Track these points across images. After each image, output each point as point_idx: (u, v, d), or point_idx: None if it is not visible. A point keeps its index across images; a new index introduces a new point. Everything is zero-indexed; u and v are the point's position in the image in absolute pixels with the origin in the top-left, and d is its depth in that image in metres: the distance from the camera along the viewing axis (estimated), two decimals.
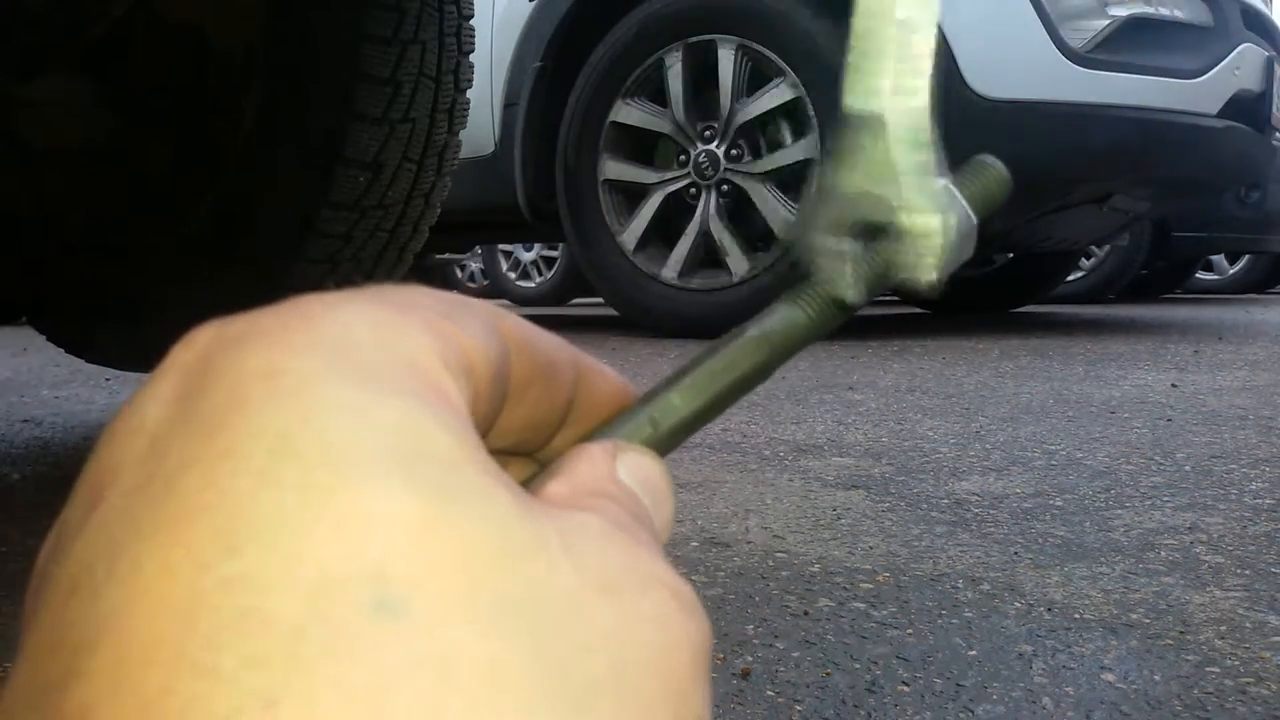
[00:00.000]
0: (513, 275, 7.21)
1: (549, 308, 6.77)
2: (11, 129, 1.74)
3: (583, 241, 3.56)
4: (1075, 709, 0.71)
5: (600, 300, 4.13)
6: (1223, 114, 3.25)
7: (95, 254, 1.74)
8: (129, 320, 1.65)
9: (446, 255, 7.44)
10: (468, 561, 0.14)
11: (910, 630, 0.85)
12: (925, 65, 0.20)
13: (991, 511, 1.22)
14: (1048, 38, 2.99)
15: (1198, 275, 7.56)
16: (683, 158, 3.39)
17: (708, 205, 3.32)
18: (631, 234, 3.45)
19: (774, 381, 2.34)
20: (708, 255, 3.36)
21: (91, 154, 1.75)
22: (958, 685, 0.75)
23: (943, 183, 0.24)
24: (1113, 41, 3.09)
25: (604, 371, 0.23)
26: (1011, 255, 4.81)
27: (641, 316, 3.49)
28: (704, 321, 3.23)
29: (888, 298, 6.28)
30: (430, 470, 0.15)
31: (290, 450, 0.14)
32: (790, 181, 3.21)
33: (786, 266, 3.11)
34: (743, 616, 0.89)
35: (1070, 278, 5.57)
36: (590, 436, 0.22)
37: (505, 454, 0.23)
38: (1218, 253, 7.21)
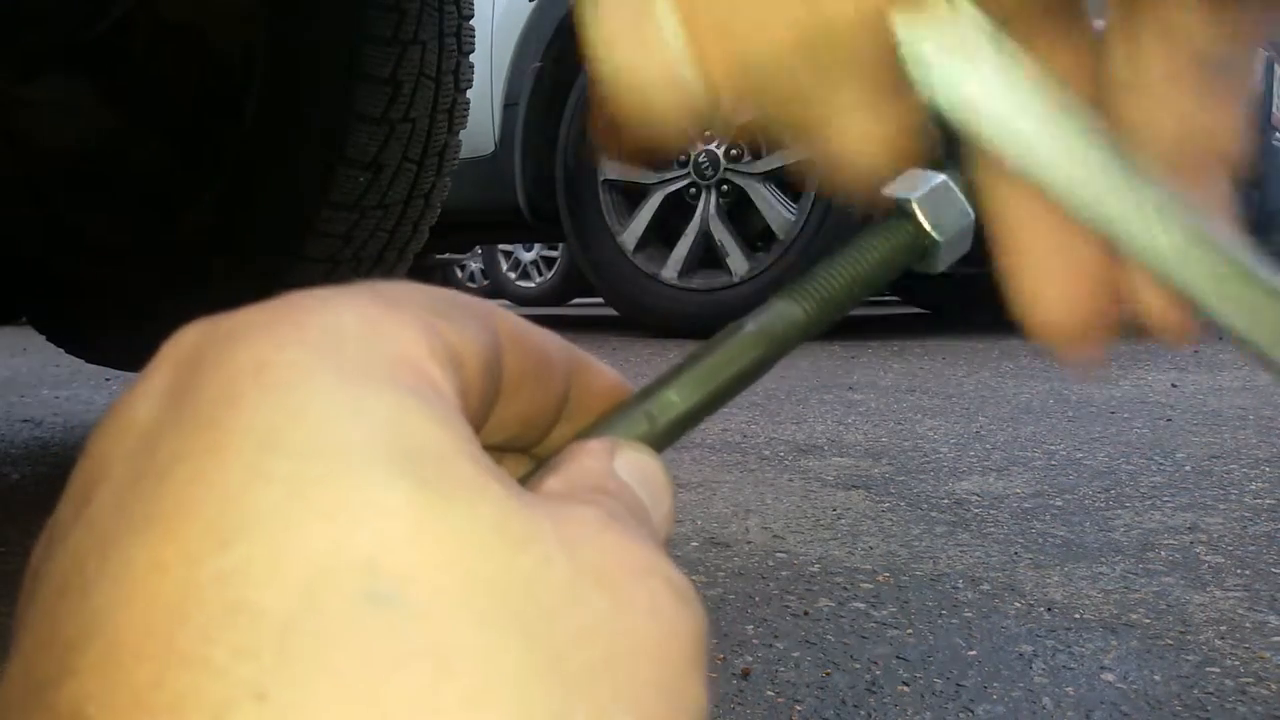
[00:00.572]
0: (513, 275, 7.21)
1: (549, 308, 6.77)
2: (11, 129, 1.74)
3: (583, 241, 3.56)
4: (1075, 709, 0.71)
5: (600, 300, 4.13)
6: None
7: (95, 254, 1.74)
8: (129, 320, 1.65)
9: (446, 255, 7.44)
10: (460, 552, 0.14)
11: (910, 630, 0.85)
12: None
13: (991, 511, 1.22)
14: None
15: None
16: (683, 158, 3.39)
17: (708, 205, 3.32)
18: (631, 234, 3.45)
19: (774, 381, 2.34)
20: (708, 255, 3.36)
21: (91, 154, 1.75)
22: (958, 685, 0.75)
23: (940, 177, 0.25)
24: None
25: (599, 367, 0.23)
26: None
27: (641, 316, 3.49)
28: (704, 321, 3.23)
29: (888, 298, 6.28)
30: (421, 463, 0.15)
31: (280, 444, 0.14)
32: (790, 181, 3.21)
33: (787, 266, 3.11)
34: (743, 616, 0.89)
35: None
36: (587, 432, 0.22)
37: (500, 450, 0.23)
38: None
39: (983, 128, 0.19)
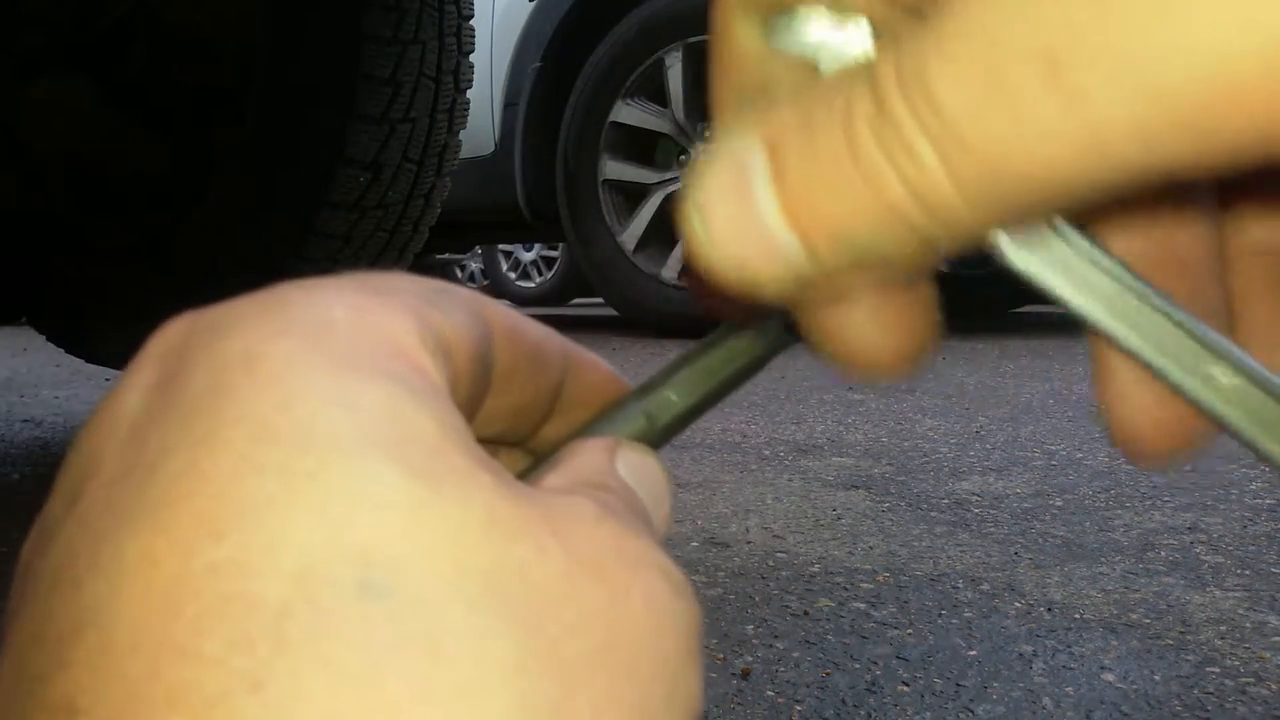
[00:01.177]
0: (513, 275, 7.21)
1: (549, 308, 6.77)
2: (11, 129, 1.74)
3: (583, 241, 3.56)
4: (1075, 709, 0.71)
5: (600, 300, 4.13)
6: None
7: (95, 254, 1.74)
8: (129, 320, 1.65)
9: (446, 255, 7.44)
10: (453, 542, 0.14)
11: (910, 630, 0.85)
12: None
13: (991, 511, 1.22)
14: None
15: None
16: (683, 158, 3.39)
17: None
18: (631, 234, 3.45)
19: (774, 381, 2.34)
20: None
21: (91, 154, 1.75)
22: (958, 685, 0.75)
23: None
24: None
25: (593, 361, 0.23)
26: None
27: (641, 316, 3.49)
28: (704, 321, 3.22)
29: None
30: (413, 453, 0.15)
31: (271, 434, 0.14)
32: None
33: None
34: (743, 616, 0.89)
35: None
36: (585, 429, 0.22)
37: (494, 442, 0.23)
38: None
39: (1069, 308, 0.20)
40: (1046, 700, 0.72)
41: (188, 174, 1.68)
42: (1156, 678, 0.75)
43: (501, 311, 0.20)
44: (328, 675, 0.13)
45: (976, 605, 0.91)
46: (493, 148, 3.73)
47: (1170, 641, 0.82)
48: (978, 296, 4.95)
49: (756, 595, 0.94)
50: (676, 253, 3.38)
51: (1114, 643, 0.82)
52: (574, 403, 0.23)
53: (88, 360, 1.88)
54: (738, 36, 0.18)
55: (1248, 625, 0.85)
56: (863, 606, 0.91)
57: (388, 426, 0.15)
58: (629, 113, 3.44)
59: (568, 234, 3.62)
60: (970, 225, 0.16)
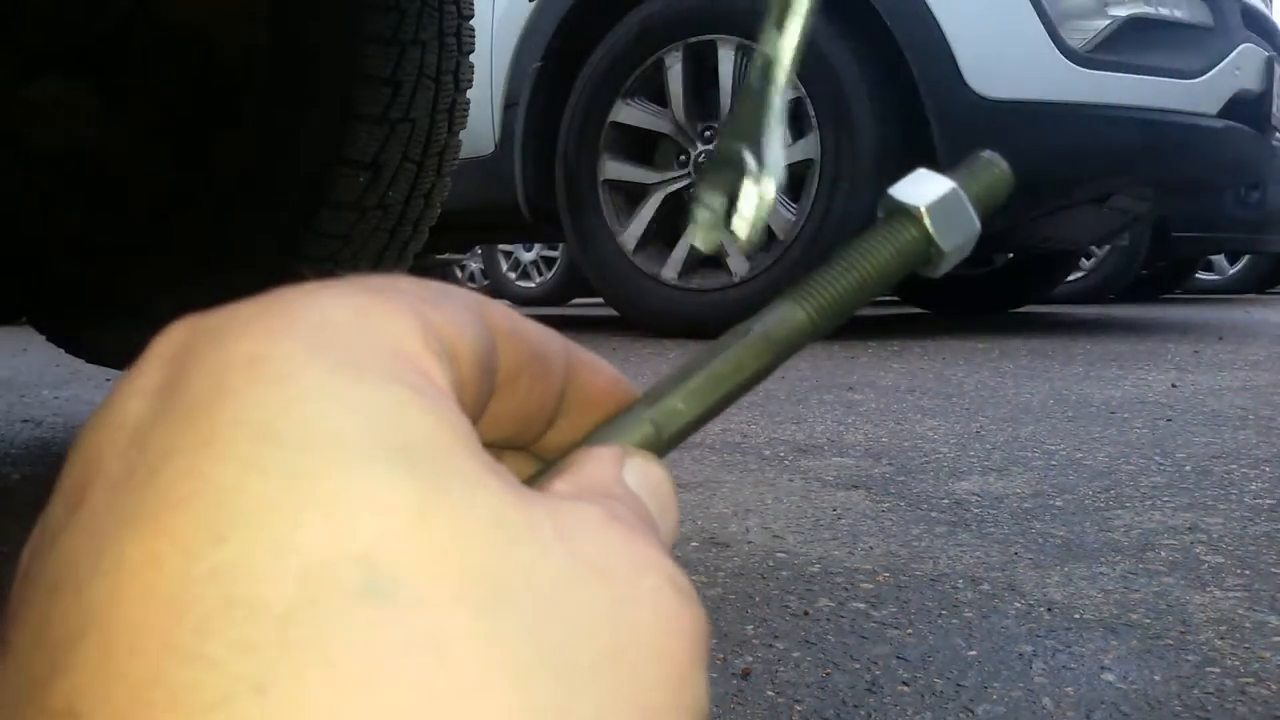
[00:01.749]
0: (513, 275, 7.21)
1: (549, 308, 6.76)
2: (11, 129, 1.74)
3: (583, 241, 3.56)
4: (1075, 709, 0.71)
5: (600, 300, 4.13)
6: (1223, 114, 3.25)
7: (95, 254, 1.74)
8: (129, 320, 1.65)
9: (446, 255, 7.44)
10: (458, 545, 0.14)
11: (910, 630, 0.85)
12: (805, 32, 0.21)
13: (991, 511, 1.22)
14: (1048, 38, 2.99)
15: (1198, 275, 7.56)
16: (683, 158, 3.39)
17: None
18: (631, 234, 3.45)
19: (774, 381, 2.34)
20: (708, 255, 3.36)
21: (91, 154, 1.75)
22: (958, 685, 0.75)
23: (950, 184, 0.24)
24: (1113, 42, 3.09)
25: (597, 364, 0.23)
26: (1011, 255, 4.81)
27: (641, 316, 3.49)
28: (704, 321, 3.23)
29: (888, 298, 6.27)
30: (417, 455, 0.15)
31: (274, 436, 0.14)
32: (790, 181, 3.21)
33: (787, 267, 3.11)
34: (743, 616, 0.89)
35: (1070, 278, 5.57)
36: (591, 435, 0.22)
37: (499, 447, 0.22)
38: (1218, 253, 7.21)
39: None
40: (1046, 700, 0.72)
41: (188, 174, 1.68)
42: (1156, 678, 0.75)
43: (503, 313, 0.20)
44: (332, 677, 0.13)
45: (976, 605, 0.91)
46: (493, 148, 3.73)
47: (1170, 641, 0.82)
48: (978, 296, 4.95)
49: (756, 595, 0.94)
50: (676, 253, 3.38)
51: (1114, 643, 0.82)
52: (578, 406, 0.23)
53: (88, 360, 1.88)
54: None
55: (1248, 625, 0.85)
56: (863, 606, 0.91)
57: (392, 429, 0.15)
58: (629, 113, 3.44)
59: (568, 234, 3.62)
60: None
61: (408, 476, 0.14)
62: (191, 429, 0.15)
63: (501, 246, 7.17)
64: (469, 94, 1.67)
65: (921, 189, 0.24)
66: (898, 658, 0.80)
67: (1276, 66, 3.53)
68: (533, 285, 7.10)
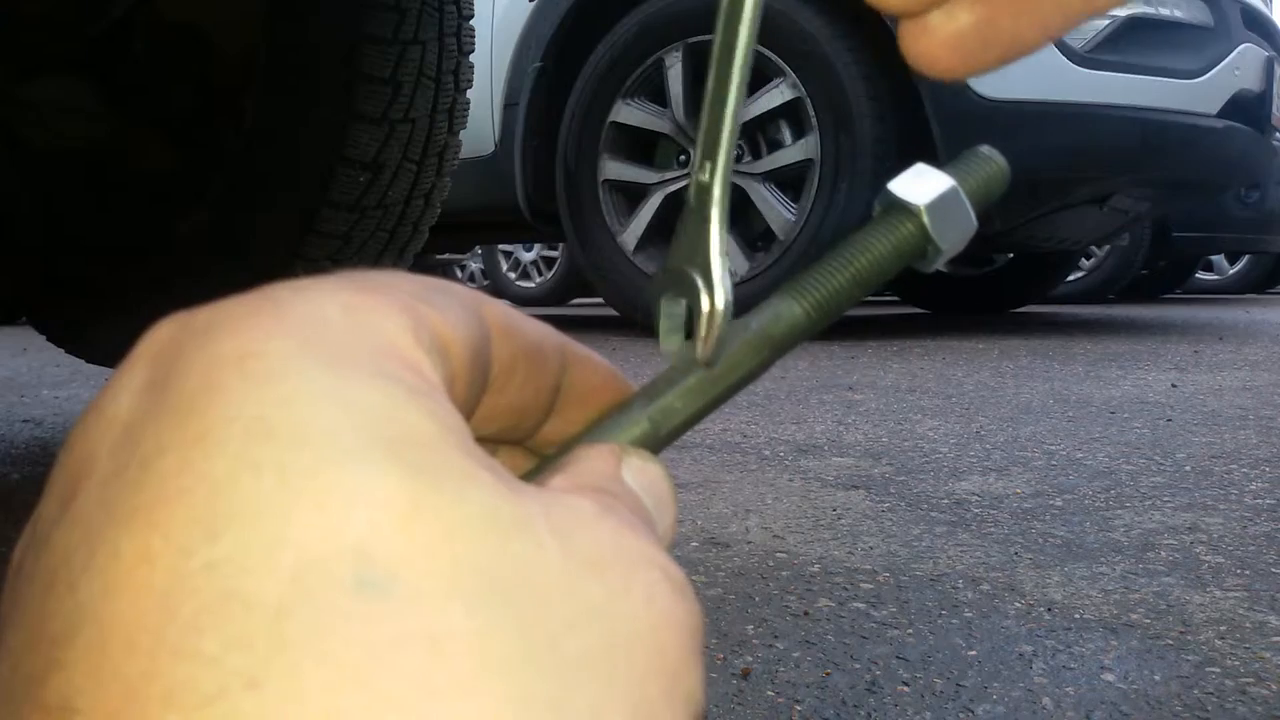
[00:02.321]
0: (513, 275, 7.21)
1: (549, 308, 6.76)
2: (11, 129, 1.74)
3: (583, 241, 3.56)
4: (1075, 709, 0.71)
5: (600, 300, 4.13)
6: (1223, 114, 3.25)
7: (95, 253, 1.74)
8: (130, 320, 1.65)
9: (446, 255, 7.44)
10: (452, 539, 0.14)
11: (910, 630, 0.85)
12: (730, 157, 0.23)
13: (991, 511, 1.22)
14: None
15: (1198, 275, 7.56)
16: (683, 158, 3.39)
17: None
18: (631, 234, 3.45)
19: (774, 381, 2.34)
20: None
21: (91, 154, 1.75)
22: (958, 685, 0.75)
23: (950, 182, 0.24)
24: (1113, 41, 3.09)
25: (593, 359, 0.23)
26: (1011, 255, 4.81)
27: (641, 316, 3.49)
28: None
29: (888, 298, 6.27)
30: (409, 450, 0.15)
31: (267, 432, 0.14)
32: (790, 181, 3.21)
33: (784, 270, 3.11)
34: (743, 616, 0.89)
35: (1070, 278, 5.57)
36: (589, 431, 0.22)
37: (494, 441, 0.22)
38: (1218, 253, 7.21)
39: None
40: (1046, 700, 0.72)
41: (187, 174, 1.68)
42: (1156, 678, 0.75)
43: (499, 309, 0.20)
44: (326, 672, 0.13)
45: (976, 605, 0.91)
46: (493, 148, 3.73)
47: (1170, 641, 0.82)
48: (978, 296, 4.95)
49: (756, 595, 0.94)
50: None
51: (1114, 643, 0.82)
52: (573, 401, 0.23)
53: (88, 360, 1.88)
54: None
55: (1248, 625, 0.85)
56: (863, 606, 0.91)
57: (385, 424, 0.15)
58: (629, 113, 3.44)
59: (568, 234, 3.62)
60: None
61: (400, 471, 0.14)
62: (183, 425, 0.15)
63: (501, 246, 7.17)
64: (469, 94, 1.67)
65: (921, 186, 0.24)
66: (898, 658, 0.80)
67: (1276, 66, 3.53)
68: (533, 285, 7.10)
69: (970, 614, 0.89)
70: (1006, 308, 5.10)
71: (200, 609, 0.13)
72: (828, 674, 0.77)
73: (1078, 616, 0.88)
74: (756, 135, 3.32)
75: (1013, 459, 1.52)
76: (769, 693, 0.74)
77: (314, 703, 0.13)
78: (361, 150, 1.53)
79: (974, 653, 0.81)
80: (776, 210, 3.18)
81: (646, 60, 3.36)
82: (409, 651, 0.13)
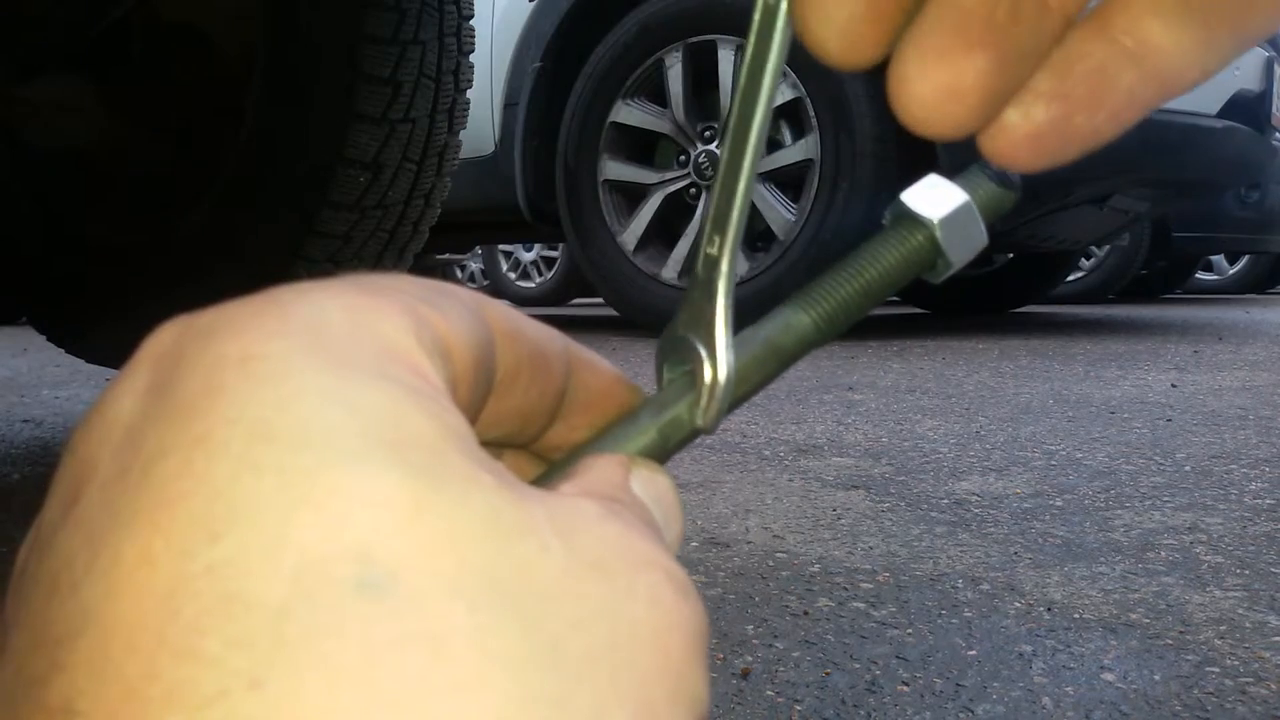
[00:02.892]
0: (513, 275, 7.21)
1: (549, 308, 6.77)
2: (11, 129, 1.74)
3: (583, 241, 3.56)
4: (1075, 709, 0.71)
5: (600, 300, 4.13)
6: (1223, 114, 3.25)
7: (95, 254, 1.74)
8: (129, 320, 1.65)
9: (446, 255, 7.44)
10: (454, 541, 0.14)
11: (910, 630, 0.85)
12: (740, 233, 0.23)
13: (991, 511, 1.22)
14: None
15: (1198, 275, 7.56)
16: (683, 158, 3.39)
17: (708, 205, 3.32)
18: (631, 234, 3.45)
19: (774, 381, 2.34)
20: None
21: (91, 154, 1.75)
22: (958, 685, 0.75)
23: (963, 196, 0.24)
24: None
25: (598, 364, 0.23)
26: (1011, 255, 4.81)
27: (641, 316, 3.49)
28: None
29: (888, 298, 6.26)
30: (411, 452, 0.15)
31: (269, 434, 0.14)
32: (790, 181, 3.21)
33: (781, 272, 3.11)
34: (743, 616, 0.89)
35: (1070, 278, 5.57)
36: (597, 440, 0.22)
37: (498, 445, 0.22)
38: (1218, 253, 7.21)
39: None
40: (1046, 700, 0.72)
41: (187, 174, 1.68)
42: (1156, 678, 0.75)
43: (503, 312, 0.20)
44: (327, 672, 0.13)
45: (976, 605, 0.91)
46: (493, 148, 3.73)
47: (1170, 641, 0.82)
48: (978, 296, 4.95)
49: (756, 595, 0.94)
50: (676, 253, 3.38)
51: (1114, 643, 0.82)
52: (579, 405, 0.23)
53: (88, 360, 1.88)
54: None
55: (1248, 625, 0.85)
56: (863, 606, 0.91)
57: (387, 427, 0.15)
58: (629, 113, 3.44)
59: (568, 234, 3.62)
60: None
61: (402, 473, 0.14)
62: (185, 427, 0.15)
63: (501, 246, 7.17)
64: (469, 94, 1.67)
65: (934, 199, 0.24)
66: (898, 658, 0.80)
67: (1276, 66, 3.53)
68: (533, 285, 7.10)
69: (970, 614, 0.89)
70: (1006, 308, 5.10)
71: (202, 610, 0.13)
72: (828, 674, 0.77)
73: (1077, 616, 0.88)
74: None
75: (1013, 459, 1.52)
76: (769, 693, 0.74)
77: (315, 702, 0.13)
78: (361, 150, 1.53)
79: (974, 652, 0.81)
80: (776, 210, 3.18)
81: (646, 60, 3.36)
82: (410, 651, 0.13)
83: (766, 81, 0.21)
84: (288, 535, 0.14)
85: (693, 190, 3.37)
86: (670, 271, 3.37)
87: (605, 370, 0.23)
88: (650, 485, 0.20)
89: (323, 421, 0.14)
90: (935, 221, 0.24)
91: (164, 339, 0.17)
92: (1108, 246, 5.67)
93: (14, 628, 0.15)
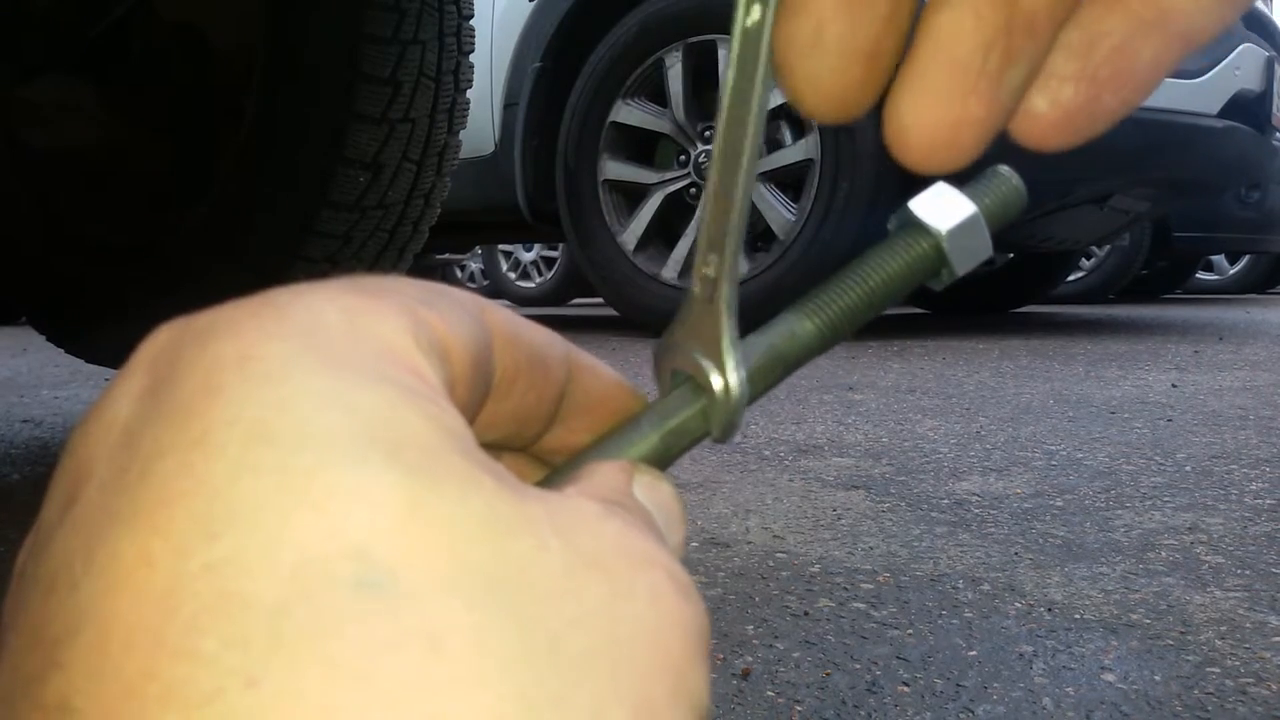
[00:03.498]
0: (513, 275, 7.21)
1: (549, 308, 6.77)
2: (11, 129, 1.74)
3: (583, 241, 3.56)
4: (1075, 709, 0.71)
5: (600, 300, 4.13)
6: (1223, 114, 3.25)
7: (95, 254, 1.74)
8: (129, 320, 1.65)
9: (446, 255, 7.44)
10: (452, 539, 0.14)
11: (910, 630, 0.85)
12: (738, 252, 0.22)
13: (992, 512, 1.22)
14: None
15: (1198, 275, 7.56)
16: (683, 158, 3.39)
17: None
18: (631, 234, 3.45)
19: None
20: None
21: (91, 154, 1.75)
22: (958, 685, 0.75)
23: (971, 208, 0.24)
24: None
25: (598, 368, 0.23)
26: (1011, 255, 4.81)
27: (641, 316, 3.49)
28: None
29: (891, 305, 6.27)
30: (409, 452, 0.15)
31: (266, 435, 0.14)
32: (790, 181, 3.21)
33: (780, 273, 3.11)
34: (743, 616, 0.89)
35: (1070, 278, 5.57)
36: (599, 446, 0.22)
37: (497, 447, 0.22)
38: (1218, 253, 7.21)
39: None
40: (1046, 700, 0.72)
41: (187, 174, 1.68)
42: (1156, 678, 0.75)
43: (502, 314, 0.20)
44: (324, 670, 0.13)
45: (976, 605, 0.91)
46: (493, 148, 3.73)
47: (1170, 642, 0.82)
48: (978, 296, 4.95)
49: (756, 595, 0.94)
50: (676, 253, 3.38)
51: (1114, 643, 0.82)
52: (578, 409, 0.23)
53: (88, 360, 1.88)
54: None
55: (1248, 625, 0.85)
56: (863, 606, 0.91)
57: (385, 427, 0.15)
58: (629, 113, 3.44)
59: (568, 234, 3.62)
60: None
61: (399, 472, 0.14)
62: (183, 428, 0.15)
63: (501, 246, 7.17)
64: (469, 94, 1.67)
65: (942, 208, 0.24)
66: (898, 658, 0.80)
67: (1276, 66, 3.53)
68: (533, 285, 7.10)
69: (970, 614, 0.89)
70: (1006, 308, 5.10)
71: (199, 609, 0.13)
72: (828, 674, 0.77)
73: (1078, 617, 0.88)
74: None
75: (1013, 459, 1.52)
76: (769, 693, 0.74)
77: (312, 700, 0.13)
78: (361, 150, 1.53)
79: (974, 653, 0.81)
80: (776, 210, 3.18)
81: (646, 60, 3.36)
82: (408, 649, 0.13)
83: (754, 106, 0.21)
84: (286, 535, 0.14)
85: (693, 190, 3.37)
86: (670, 271, 3.37)
87: (606, 374, 0.23)
88: (653, 492, 0.20)
89: (321, 422, 0.14)
90: (944, 232, 0.24)
91: (161, 341, 0.17)
92: (1108, 246, 5.67)
93: (12, 629, 0.15)
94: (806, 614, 0.89)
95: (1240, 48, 3.31)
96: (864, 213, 3.00)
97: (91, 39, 1.59)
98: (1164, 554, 1.04)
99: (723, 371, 0.22)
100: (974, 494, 1.31)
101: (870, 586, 0.96)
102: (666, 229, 3.44)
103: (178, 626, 0.13)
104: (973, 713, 0.71)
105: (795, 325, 0.24)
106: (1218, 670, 0.77)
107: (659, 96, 3.39)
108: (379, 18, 1.49)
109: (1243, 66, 3.32)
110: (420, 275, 0.20)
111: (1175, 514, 1.20)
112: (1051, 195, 3.17)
